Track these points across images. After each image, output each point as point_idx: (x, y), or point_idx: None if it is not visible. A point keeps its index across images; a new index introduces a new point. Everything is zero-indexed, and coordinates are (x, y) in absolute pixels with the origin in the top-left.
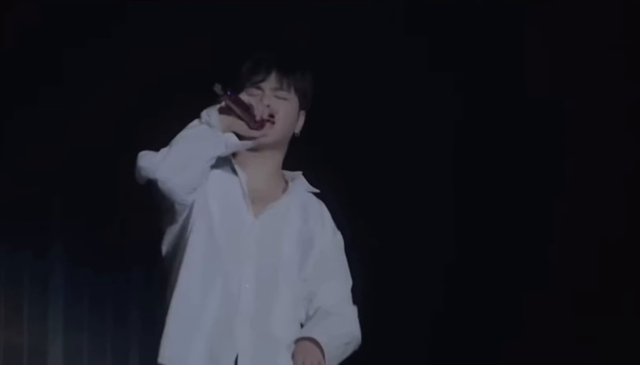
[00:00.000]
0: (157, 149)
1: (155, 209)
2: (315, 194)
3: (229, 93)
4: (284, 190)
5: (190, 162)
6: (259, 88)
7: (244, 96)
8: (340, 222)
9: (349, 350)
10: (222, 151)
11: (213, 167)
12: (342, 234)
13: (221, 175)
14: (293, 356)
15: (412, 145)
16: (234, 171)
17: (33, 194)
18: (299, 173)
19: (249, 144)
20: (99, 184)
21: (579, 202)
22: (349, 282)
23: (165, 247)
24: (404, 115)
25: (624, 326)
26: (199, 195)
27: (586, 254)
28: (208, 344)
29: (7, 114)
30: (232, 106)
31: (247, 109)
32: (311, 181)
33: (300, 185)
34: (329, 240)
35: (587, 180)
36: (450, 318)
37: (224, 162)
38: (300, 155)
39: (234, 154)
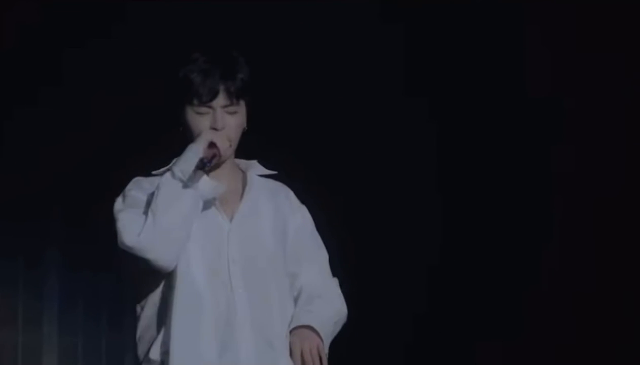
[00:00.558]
0: (157, 152)
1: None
2: (275, 177)
3: (207, 164)
4: (244, 181)
5: (176, 234)
6: (208, 106)
7: (204, 136)
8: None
9: (338, 327)
10: (201, 206)
11: None
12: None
13: None
14: (291, 346)
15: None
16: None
17: (30, 197)
18: (254, 161)
19: (223, 187)
20: (96, 188)
21: (578, 203)
22: (325, 257)
23: (144, 283)
24: (397, 114)
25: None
26: None
27: (584, 255)
28: (216, 356)
29: (6, 114)
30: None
31: (215, 155)
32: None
33: (257, 172)
34: (298, 219)
35: (587, 181)
36: (433, 315)
37: None
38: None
39: None
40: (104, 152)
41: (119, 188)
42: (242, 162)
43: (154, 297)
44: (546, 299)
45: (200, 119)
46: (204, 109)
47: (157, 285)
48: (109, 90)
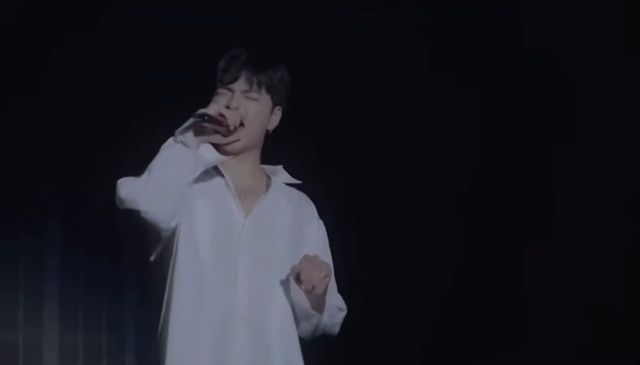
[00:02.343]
0: (158, 126)
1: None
2: (298, 186)
3: (206, 118)
4: (267, 185)
5: (171, 189)
6: (229, 89)
7: (214, 106)
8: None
9: (338, 318)
10: (200, 171)
11: None
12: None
13: (206, 178)
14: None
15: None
16: (219, 173)
17: (28, 178)
18: (280, 167)
19: (225, 158)
20: (94, 167)
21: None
22: (332, 272)
23: (153, 257)
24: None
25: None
26: (184, 208)
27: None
28: (209, 349)
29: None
30: (208, 125)
31: (220, 122)
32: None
33: (282, 179)
34: (314, 231)
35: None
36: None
37: None
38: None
39: None
40: (101, 133)
41: (116, 169)
42: (268, 168)
43: (162, 281)
44: (549, 307)
45: (218, 99)
46: (224, 91)
47: (165, 268)
48: (105, 62)
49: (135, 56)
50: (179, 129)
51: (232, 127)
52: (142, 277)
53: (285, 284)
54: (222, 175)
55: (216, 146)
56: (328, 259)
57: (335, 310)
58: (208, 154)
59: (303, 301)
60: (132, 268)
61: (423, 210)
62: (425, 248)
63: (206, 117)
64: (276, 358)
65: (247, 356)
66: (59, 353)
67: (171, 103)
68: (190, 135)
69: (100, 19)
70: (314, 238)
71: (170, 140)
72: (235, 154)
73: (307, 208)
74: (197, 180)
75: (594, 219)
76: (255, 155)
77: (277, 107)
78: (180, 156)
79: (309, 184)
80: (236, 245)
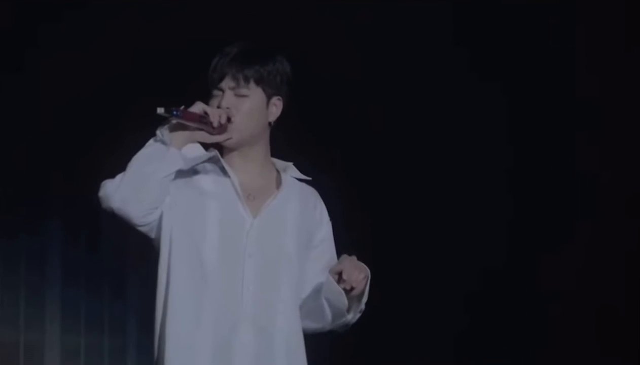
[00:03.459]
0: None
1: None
2: (308, 182)
3: (174, 112)
4: (277, 181)
5: (144, 186)
6: (219, 89)
7: (199, 104)
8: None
9: (355, 320)
10: (180, 166)
11: (203, 170)
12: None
13: (212, 177)
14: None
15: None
16: (224, 172)
17: (29, 177)
18: (290, 164)
19: (210, 154)
20: (95, 168)
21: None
22: None
23: (155, 256)
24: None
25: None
26: (187, 208)
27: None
28: (211, 350)
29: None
30: (186, 122)
31: (201, 119)
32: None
33: (292, 175)
34: (324, 230)
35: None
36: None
37: (213, 164)
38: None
39: (221, 154)
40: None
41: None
42: (279, 162)
43: (162, 279)
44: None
45: (211, 102)
46: (216, 93)
47: (166, 268)
48: (98, 52)
49: (136, 56)
50: (159, 128)
51: (215, 124)
52: (144, 277)
53: (291, 284)
54: (229, 177)
55: (214, 145)
56: (335, 258)
57: (356, 313)
58: (191, 151)
59: (341, 301)
60: (134, 268)
61: (436, 209)
62: (438, 247)
63: (175, 112)
64: (280, 359)
65: (252, 357)
66: (61, 353)
67: (172, 105)
68: (166, 132)
69: (99, 19)
70: (324, 238)
71: (151, 140)
72: (233, 149)
73: (318, 207)
74: (204, 182)
75: (594, 218)
76: (260, 150)
77: (276, 98)
78: (156, 152)
79: (321, 181)
80: (243, 246)
